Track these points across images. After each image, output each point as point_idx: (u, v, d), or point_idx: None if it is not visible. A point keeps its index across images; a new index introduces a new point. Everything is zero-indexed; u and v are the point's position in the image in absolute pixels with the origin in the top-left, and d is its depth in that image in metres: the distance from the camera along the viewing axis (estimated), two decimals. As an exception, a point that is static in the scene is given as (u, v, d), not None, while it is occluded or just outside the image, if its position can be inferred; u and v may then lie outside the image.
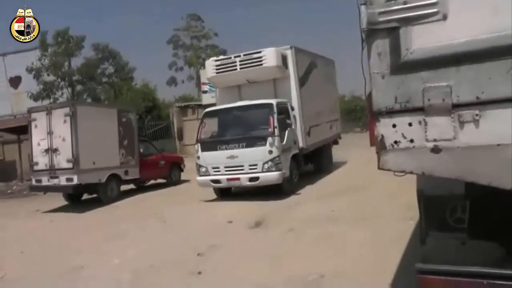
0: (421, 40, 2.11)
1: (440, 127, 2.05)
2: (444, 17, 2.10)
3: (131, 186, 14.88)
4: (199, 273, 5.54)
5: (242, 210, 9.36)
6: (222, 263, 5.86)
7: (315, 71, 13.37)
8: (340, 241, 6.19)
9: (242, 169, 10.73)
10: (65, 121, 12.10)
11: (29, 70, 24.99)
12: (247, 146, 10.70)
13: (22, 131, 16.37)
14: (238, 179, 10.79)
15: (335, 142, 15.84)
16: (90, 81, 27.37)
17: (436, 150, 2.07)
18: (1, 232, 9.82)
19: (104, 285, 5.64)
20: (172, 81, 42.50)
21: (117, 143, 13.60)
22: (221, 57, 12.23)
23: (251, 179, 10.63)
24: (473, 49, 2.02)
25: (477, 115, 2.00)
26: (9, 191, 19.44)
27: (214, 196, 11.60)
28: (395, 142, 2.13)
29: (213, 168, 11.07)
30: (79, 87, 27.63)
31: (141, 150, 14.91)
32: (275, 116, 10.62)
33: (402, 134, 2.12)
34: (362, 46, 2.34)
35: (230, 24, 69.60)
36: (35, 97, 25.09)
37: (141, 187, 15.19)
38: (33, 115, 12.98)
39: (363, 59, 2.32)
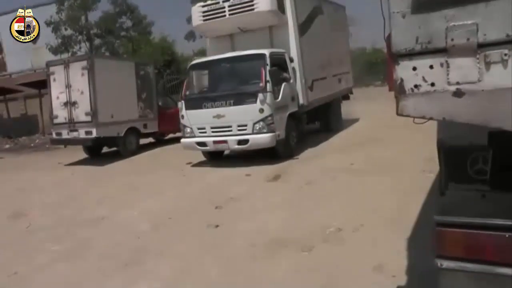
0: None
1: (463, 69, 1.85)
2: None
3: (150, 139, 14.71)
4: (217, 226, 5.44)
5: (260, 165, 9.05)
6: (240, 216, 5.73)
7: (320, 18, 11.48)
8: (358, 193, 6.01)
9: (230, 130, 9.22)
10: (82, 74, 11.90)
11: (48, 23, 23.81)
12: (235, 104, 9.13)
13: (42, 85, 16.13)
14: (225, 142, 9.26)
15: (346, 97, 14.09)
16: (108, 35, 26.62)
17: (458, 93, 1.89)
18: (25, 184, 9.86)
19: (123, 236, 5.55)
20: (191, 36, 41.98)
21: (136, 96, 13.39)
22: (209, 1, 10.17)
23: (239, 142, 9.10)
24: None
25: (505, 54, 1.78)
26: (32, 145, 19.57)
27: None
28: (415, 86, 1.95)
29: (199, 128, 9.58)
30: (97, 41, 26.94)
31: (160, 104, 14.67)
32: (268, 68, 8.97)
33: (423, 77, 1.93)
34: None
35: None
36: (54, 50, 24.36)
37: (160, 141, 14.89)
38: (51, 68, 12.73)
39: (383, -1, 2.01)
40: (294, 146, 10.09)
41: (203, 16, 10.36)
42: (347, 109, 14.38)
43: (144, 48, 27.70)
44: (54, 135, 12.98)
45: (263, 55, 9.37)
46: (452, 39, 1.85)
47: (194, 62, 10.50)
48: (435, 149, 2.57)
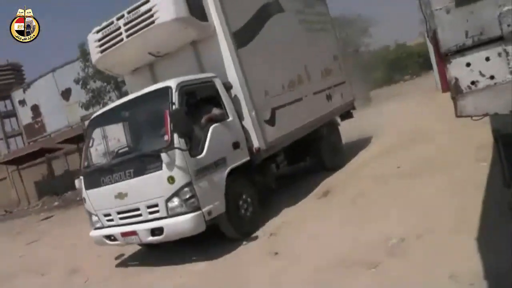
0: None
1: None
2: None
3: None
4: (276, 253, 4.81)
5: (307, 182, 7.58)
6: (297, 240, 5.04)
7: (277, 18, 7.37)
8: (412, 198, 5.19)
9: (140, 215, 5.38)
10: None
11: (76, 81, 23.62)
12: (135, 175, 5.27)
13: (80, 139, 14.77)
14: (135, 233, 5.41)
15: (346, 116, 9.70)
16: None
17: None
18: (76, 240, 8.52)
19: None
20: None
21: None
22: (104, 24, 6.45)
23: (153, 232, 5.25)
24: None
25: None
26: (78, 198, 17.66)
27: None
28: (472, 82, 1.83)
29: (105, 215, 5.80)
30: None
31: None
32: (174, 111, 5.11)
33: (480, 72, 1.82)
34: None
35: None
36: (86, 106, 23.62)
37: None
38: (86, 123, 10.43)
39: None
40: (251, 218, 5.87)
41: (100, 46, 6.42)
42: (363, 120, 10.84)
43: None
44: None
45: (166, 91, 5.27)
46: (509, 25, 1.71)
47: (93, 116, 6.42)
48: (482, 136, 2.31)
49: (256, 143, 6.20)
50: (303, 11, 8.44)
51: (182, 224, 5.07)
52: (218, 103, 5.96)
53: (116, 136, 6.41)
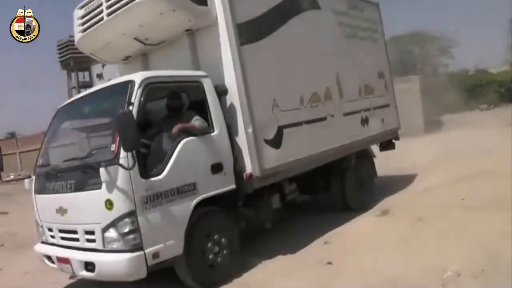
0: None
1: None
2: None
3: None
4: (329, 263, 4.44)
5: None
6: (351, 252, 4.64)
7: (310, 15, 5.77)
8: (474, 232, 4.61)
9: (77, 240, 4.00)
10: None
11: None
12: (75, 188, 3.94)
13: None
14: (68, 261, 4.02)
15: (387, 146, 7.80)
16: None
17: None
18: None
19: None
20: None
21: None
22: None
23: (86, 266, 3.83)
24: None
25: None
26: None
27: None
28: None
29: (48, 230, 4.46)
30: None
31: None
32: (120, 114, 3.62)
33: None
34: None
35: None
36: None
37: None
38: None
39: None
40: (223, 265, 4.32)
41: (82, 25, 5.09)
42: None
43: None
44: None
45: (126, 86, 3.89)
46: None
47: (59, 107, 5.00)
48: None
49: (248, 168, 4.59)
50: (346, 13, 6.67)
51: (115, 264, 3.62)
52: (205, 111, 4.38)
53: (74, 134, 5.05)
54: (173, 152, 3.98)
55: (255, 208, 4.88)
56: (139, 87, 3.88)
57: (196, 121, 4.23)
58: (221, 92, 4.57)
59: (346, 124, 6.26)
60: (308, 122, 5.43)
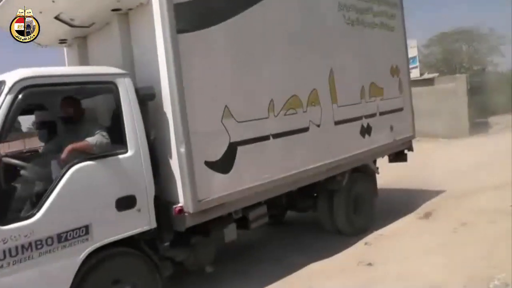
0: None
1: None
2: None
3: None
4: (369, 264, 4.21)
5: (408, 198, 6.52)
6: (392, 255, 4.41)
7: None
8: None
9: None
10: None
11: None
12: None
13: None
14: None
15: (397, 158, 6.29)
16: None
17: None
18: None
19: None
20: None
21: None
22: None
23: None
24: None
25: None
26: None
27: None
28: None
29: None
30: None
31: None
32: None
33: None
34: None
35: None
36: None
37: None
38: None
39: None
40: None
41: None
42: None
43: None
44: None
45: None
46: None
47: None
48: None
49: (179, 200, 3.32)
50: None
51: None
52: (118, 123, 3.15)
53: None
54: (55, 184, 2.77)
55: (191, 247, 3.65)
56: (9, 92, 2.69)
57: (96, 137, 2.99)
58: (146, 96, 3.30)
59: (338, 135, 4.83)
60: (278, 135, 4.07)
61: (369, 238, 5.10)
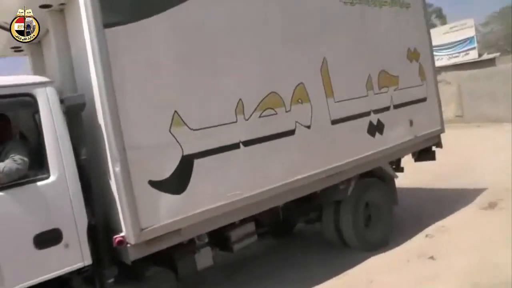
0: None
1: None
2: None
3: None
4: (431, 257, 3.92)
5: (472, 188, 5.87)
6: (455, 248, 4.04)
7: None
8: None
9: None
10: None
11: None
12: None
13: None
14: None
15: (424, 157, 5.32)
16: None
17: None
18: None
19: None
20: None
21: None
22: None
23: None
24: None
25: None
26: None
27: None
28: None
29: None
30: None
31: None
32: None
33: None
34: None
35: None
36: None
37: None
38: None
39: None
40: None
41: None
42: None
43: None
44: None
45: None
46: None
47: None
48: None
49: (122, 229, 2.71)
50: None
51: None
52: (38, 143, 2.62)
53: None
54: None
55: (146, 281, 3.03)
56: None
57: (5, 163, 2.47)
58: (73, 107, 2.72)
59: (337, 136, 4.00)
60: (252, 142, 3.34)
61: (430, 229, 4.71)
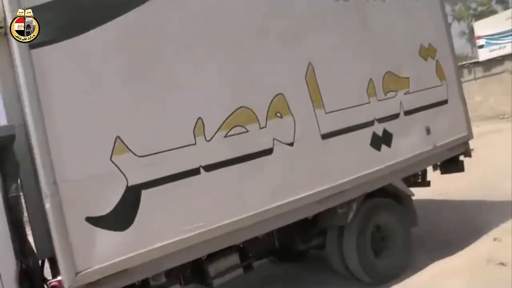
0: None
1: None
2: None
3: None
4: (501, 263, 3.62)
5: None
6: None
7: None
8: None
9: None
10: None
11: None
12: None
13: None
14: None
15: (449, 169, 4.54)
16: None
17: None
18: None
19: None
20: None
21: None
22: None
23: None
24: None
25: None
26: None
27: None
28: None
29: None
30: None
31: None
32: None
33: None
34: None
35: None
36: None
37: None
38: None
39: None
40: None
41: None
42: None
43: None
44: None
45: None
46: None
47: None
48: None
49: (61, 274, 2.39)
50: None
51: None
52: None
53: None
54: None
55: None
56: None
57: None
58: (2, 140, 2.44)
59: (330, 152, 3.44)
60: (215, 166, 2.89)
61: (497, 232, 4.40)
